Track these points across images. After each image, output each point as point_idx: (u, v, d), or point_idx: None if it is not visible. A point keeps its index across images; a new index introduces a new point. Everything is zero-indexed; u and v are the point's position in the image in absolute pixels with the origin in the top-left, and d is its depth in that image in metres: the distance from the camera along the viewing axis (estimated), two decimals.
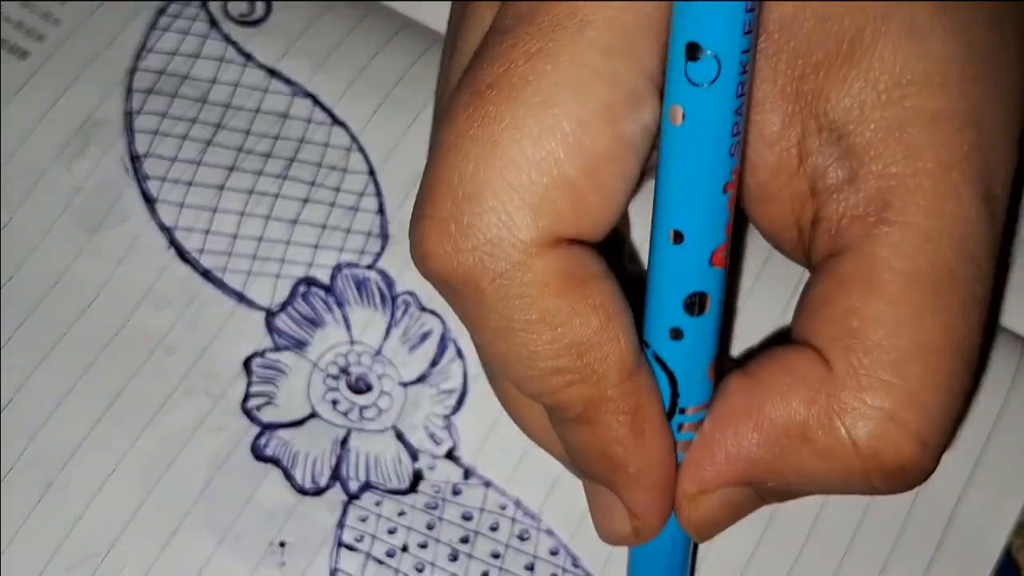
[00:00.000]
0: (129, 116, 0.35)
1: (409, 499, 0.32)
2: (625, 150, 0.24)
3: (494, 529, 0.32)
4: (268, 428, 0.33)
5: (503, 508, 0.32)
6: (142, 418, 0.32)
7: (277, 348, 0.33)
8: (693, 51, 0.22)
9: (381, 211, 0.34)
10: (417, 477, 0.33)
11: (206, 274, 0.34)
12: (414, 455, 0.33)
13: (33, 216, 0.34)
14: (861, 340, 0.25)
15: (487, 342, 0.25)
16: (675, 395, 0.26)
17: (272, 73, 0.36)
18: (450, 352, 0.34)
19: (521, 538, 0.32)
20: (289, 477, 0.32)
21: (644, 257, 0.34)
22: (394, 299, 0.34)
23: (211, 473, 0.32)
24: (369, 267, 0.34)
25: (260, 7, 0.37)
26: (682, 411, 0.26)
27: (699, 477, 0.27)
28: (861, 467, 0.25)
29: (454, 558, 0.32)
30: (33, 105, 0.35)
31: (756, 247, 0.33)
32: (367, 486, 0.32)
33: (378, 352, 0.34)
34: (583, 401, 0.25)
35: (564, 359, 0.25)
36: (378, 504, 0.32)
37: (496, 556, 0.32)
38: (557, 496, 0.32)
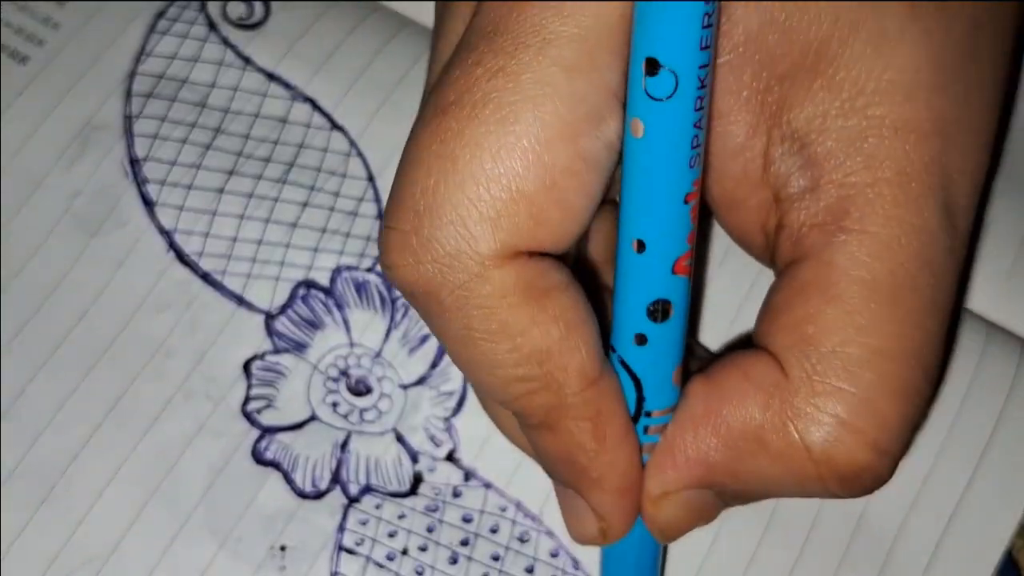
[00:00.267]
0: (128, 120, 0.35)
1: (409, 502, 0.32)
2: (586, 165, 0.24)
3: (494, 531, 0.32)
4: (268, 431, 0.33)
5: (503, 510, 0.32)
6: (142, 422, 0.32)
7: (277, 351, 0.33)
8: (652, 66, 0.22)
9: (380, 216, 0.34)
10: (417, 479, 0.33)
11: (205, 277, 0.34)
12: (414, 457, 0.33)
13: (33, 220, 0.34)
14: (816, 346, 0.25)
15: (451, 350, 0.26)
16: (640, 399, 0.27)
17: (271, 77, 0.36)
18: None
19: (521, 540, 0.32)
20: (289, 481, 0.32)
21: None
22: (394, 302, 0.34)
23: (211, 477, 0.32)
24: (369, 270, 0.34)
25: (259, 9, 0.37)
26: (648, 415, 0.27)
27: (661, 480, 0.27)
28: (815, 472, 0.26)
29: (454, 561, 0.32)
30: (33, 109, 0.35)
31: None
32: (367, 489, 0.32)
33: (378, 354, 0.34)
34: (544, 409, 0.26)
35: (525, 368, 0.25)
36: (378, 507, 0.32)
37: (496, 558, 0.32)
38: None
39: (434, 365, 0.34)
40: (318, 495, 0.32)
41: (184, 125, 0.35)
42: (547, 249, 0.25)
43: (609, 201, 0.28)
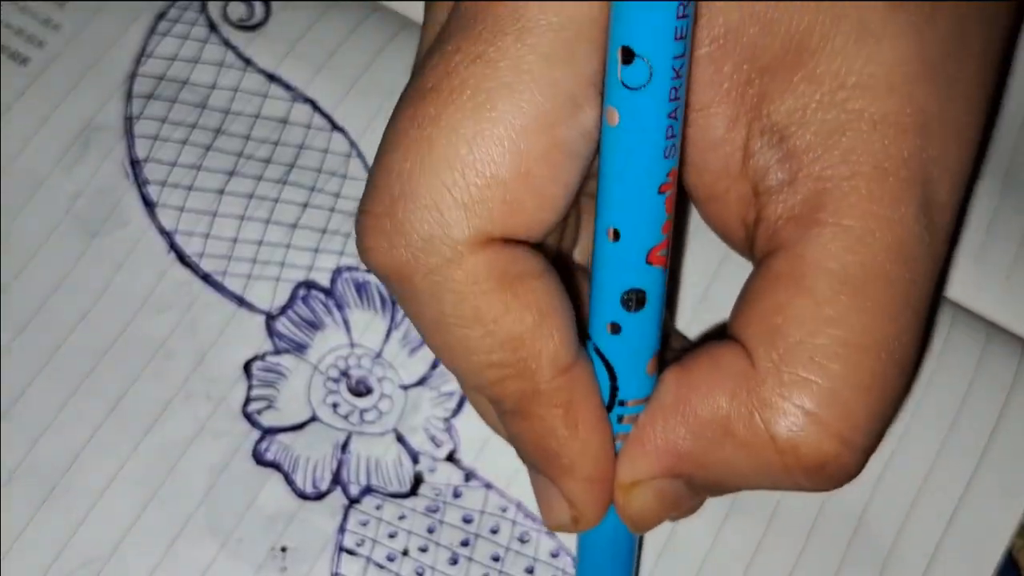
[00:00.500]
0: (129, 121, 0.35)
1: (410, 502, 0.32)
2: (562, 154, 0.24)
3: (495, 532, 0.32)
4: (269, 432, 0.33)
5: (504, 510, 0.32)
6: (143, 423, 0.33)
7: (277, 351, 0.34)
8: (627, 55, 0.23)
9: None
10: (418, 480, 0.33)
11: (206, 278, 0.34)
12: (415, 458, 0.33)
13: (34, 221, 0.34)
14: (784, 337, 0.25)
15: (426, 336, 0.26)
16: (614, 388, 0.27)
17: (271, 78, 0.36)
18: None
19: (522, 540, 0.32)
20: (290, 481, 0.32)
21: None
22: (394, 302, 0.34)
23: (212, 478, 0.32)
24: (369, 270, 0.34)
25: (259, 10, 0.37)
26: (622, 404, 0.27)
27: (631, 468, 0.27)
28: (780, 462, 0.26)
29: (454, 562, 0.32)
30: (33, 111, 0.35)
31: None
32: (368, 490, 0.32)
33: (378, 355, 0.34)
34: (517, 395, 0.26)
35: (498, 354, 0.25)
36: (379, 508, 0.32)
37: (496, 559, 0.32)
38: None
39: (434, 366, 0.34)
40: (319, 496, 0.32)
41: (185, 126, 0.35)
42: (522, 236, 0.25)
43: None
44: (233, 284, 0.34)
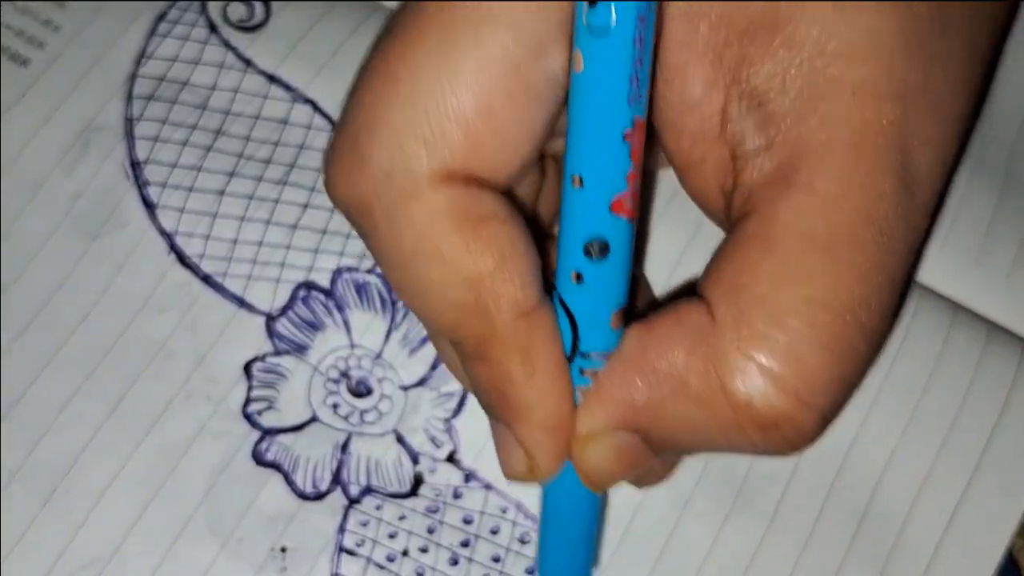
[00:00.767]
0: (129, 122, 0.35)
1: (410, 503, 0.32)
2: (525, 96, 0.25)
3: (495, 532, 0.32)
4: (269, 433, 0.33)
5: (504, 511, 0.32)
6: (143, 423, 0.33)
7: (277, 352, 0.34)
8: None
9: None
10: (418, 481, 0.33)
11: (206, 279, 0.34)
12: (415, 458, 0.33)
13: (34, 222, 0.34)
14: (745, 293, 0.25)
15: (387, 273, 0.26)
16: (576, 338, 0.27)
17: (272, 79, 0.36)
18: None
19: (522, 541, 0.32)
20: (290, 482, 0.32)
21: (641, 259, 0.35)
22: (394, 303, 0.34)
23: (212, 479, 0.32)
24: (369, 271, 0.34)
25: (259, 11, 0.37)
26: (584, 356, 0.27)
27: (588, 420, 0.27)
28: (733, 418, 0.25)
29: (455, 562, 0.32)
30: (34, 112, 0.35)
31: None
32: (368, 490, 0.32)
33: (378, 355, 0.34)
34: (476, 337, 0.26)
35: (457, 293, 0.25)
36: (379, 508, 0.32)
37: (497, 559, 0.32)
38: None
39: (434, 366, 0.34)
40: (319, 496, 0.32)
41: (185, 127, 0.35)
42: (485, 176, 0.25)
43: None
44: (233, 285, 0.34)
